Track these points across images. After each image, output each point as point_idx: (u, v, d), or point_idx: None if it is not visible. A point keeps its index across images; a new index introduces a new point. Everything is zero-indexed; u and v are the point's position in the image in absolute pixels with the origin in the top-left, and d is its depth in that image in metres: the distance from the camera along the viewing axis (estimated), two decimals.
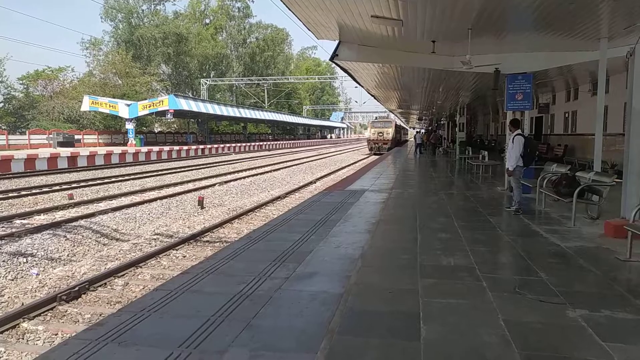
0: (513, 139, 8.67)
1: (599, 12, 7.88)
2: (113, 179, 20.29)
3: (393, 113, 48.84)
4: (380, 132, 42.16)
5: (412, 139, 70.64)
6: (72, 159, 26.81)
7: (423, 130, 46.68)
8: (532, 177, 10.31)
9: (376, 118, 49.70)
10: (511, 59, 11.20)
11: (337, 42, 11.88)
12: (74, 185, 17.97)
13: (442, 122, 46.32)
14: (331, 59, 12.73)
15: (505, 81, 11.40)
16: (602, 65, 9.52)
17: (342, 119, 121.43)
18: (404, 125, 76.12)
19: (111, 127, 47.74)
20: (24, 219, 11.24)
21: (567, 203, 7.81)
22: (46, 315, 6.00)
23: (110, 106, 39.16)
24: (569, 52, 10.85)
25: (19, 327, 5.61)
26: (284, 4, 8.47)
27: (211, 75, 73.05)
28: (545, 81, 18.18)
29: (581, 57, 10.83)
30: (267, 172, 24.84)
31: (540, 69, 11.40)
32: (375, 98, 29.17)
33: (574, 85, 19.87)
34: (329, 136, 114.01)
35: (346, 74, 16.64)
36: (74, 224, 10.68)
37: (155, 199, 14.40)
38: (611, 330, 3.59)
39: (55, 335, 5.47)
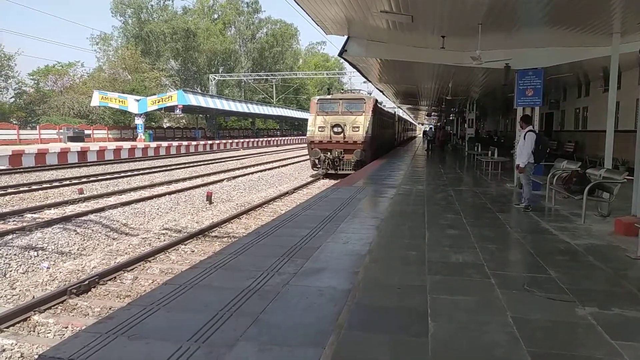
0: (524, 135, 8.59)
1: (611, 7, 7.78)
2: (122, 174, 20.42)
3: (401, 108, 47.35)
4: (337, 126, 20.21)
5: (421, 136, 69.99)
6: (82, 153, 27.01)
7: (432, 127, 45.88)
8: (542, 174, 10.22)
9: (329, 91, 24.65)
10: (522, 55, 11.09)
11: (346, 37, 11.85)
12: (83, 179, 18.10)
13: (451, 118, 46.11)
14: (340, 55, 12.71)
15: (515, 77, 11.30)
16: (614, 60, 9.41)
17: None
18: (409, 118, 62.28)
19: (121, 122, 48.02)
20: (34, 213, 11.36)
21: (578, 200, 7.74)
22: (57, 308, 6.07)
23: (119, 101, 39.41)
24: (581, 48, 10.72)
25: (30, 319, 5.68)
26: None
27: (220, 71, 73.16)
28: (556, 77, 18.00)
29: (593, 53, 10.70)
30: (275, 167, 24.88)
31: (551, 64, 11.28)
32: (383, 93, 29.08)
33: (585, 81, 19.66)
34: None
35: (355, 69, 16.58)
36: (84, 218, 10.77)
37: (164, 194, 14.48)
38: (621, 329, 3.56)
39: (66, 328, 5.53)
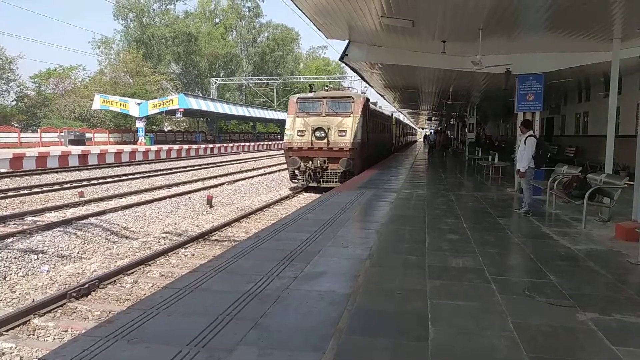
0: (525, 140, 8.60)
1: (611, 13, 7.80)
2: (123, 177, 20.44)
3: (402, 112, 47.31)
4: (320, 129, 17.13)
5: (422, 140, 69.90)
6: (83, 157, 27.04)
7: (433, 131, 45.83)
8: (542, 178, 10.22)
9: (311, 88, 20.58)
10: (522, 60, 11.11)
11: (347, 42, 11.88)
12: (84, 183, 18.13)
13: (451, 122, 46.14)
14: (341, 59, 12.75)
15: (516, 82, 11.32)
16: (615, 66, 9.42)
17: None
18: (409, 122, 61.19)
19: (122, 125, 48.06)
20: (35, 216, 11.35)
21: (578, 205, 7.74)
22: (56, 312, 6.06)
23: (120, 105, 39.48)
24: (581, 53, 10.75)
25: (29, 323, 5.67)
26: (295, 3, 8.47)
27: (221, 75, 73.25)
28: (556, 82, 18.04)
29: (593, 58, 10.72)
30: (275, 171, 24.90)
31: (551, 69, 11.30)
32: (384, 98, 29.11)
33: (585, 86, 19.68)
34: None
35: (356, 74, 16.59)
36: (84, 221, 10.77)
37: (164, 198, 14.48)
38: (622, 334, 3.55)
39: (65, 331, 5.52)
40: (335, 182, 16.79)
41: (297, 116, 17.64)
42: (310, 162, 17.13)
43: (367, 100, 18.92)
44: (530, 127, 9.10)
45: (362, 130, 17.44)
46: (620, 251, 6.00)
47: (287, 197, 15.61)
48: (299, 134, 17.35)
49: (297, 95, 18.79)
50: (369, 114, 19.10)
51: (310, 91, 19.51)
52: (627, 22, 8.28)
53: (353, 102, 17.62)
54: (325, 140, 16.94)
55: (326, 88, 20.53)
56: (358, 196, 10.78)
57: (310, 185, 17.34)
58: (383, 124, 25.82)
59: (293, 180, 18.29)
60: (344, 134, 17.00)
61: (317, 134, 17.01)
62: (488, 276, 4.89)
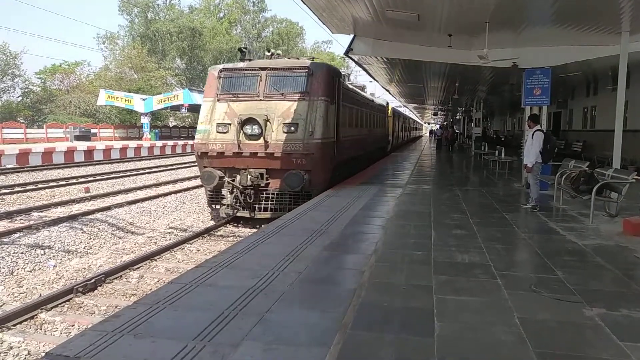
0: (532, 134, 8.54)
1: (620, 6, 7.71)
2: (128, 173, 20.51)
3: (407, 107, 47.09)
4: (251, 122, 10.34)
5: (427, 135, 69.77)
6: (89, 152, 27.14)
7: (438, 126, 45.69)
8: (549, 173, 10.16)
9: (242, 54, 12.03)
10: (529, 53, 11.02)
11: (352, 36, 11.83)
12: (90, 178, 18.21)
13: (457, 117, 45.97)
14: (346, 54, 12.70)
15: (523, 76, 11.23)
16: (623, 59, 9.34)
17: None
18: (413, 115, 57.35)
19: (127, 121, 48.23)
20: (41, 212, 11.42)
21: (585, 200, 7.68)
22: (63, 306, 6.10)
23: (125, 100, 39.61)
24: (589, 47, 10.64)
25: (37, 317, 5.72)
26: None
27: None
28: (564, 76, 17.89)
29: (601, 52, 10.62)
30: None
31: (559, 63, 11.20)
32: (389, 93, 28.98)
33: (593, 80, 19.51)
34: None
35: (361, 69, 16.54)
36: (90, 217, 10.82)
37: (169, 193, 14.52)
38: (629, 330, 3.52)
39: (72, 326, 5.56)
40: (279, 207, 10.58)
41: (219, 100, 11.09)
42: (237, 177, 10.72)
43: (337, 73, 12.23)
44: (537, 121, 9.03)
45: (326, 123, 10.88)
46: (627, 246, 5.96)
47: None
48: (220, 129, 10.86)
49: (220, 66, 11.71)
50: (341, 97, 12.31)
51: (242, 58, 12.28)
52: (635, 15, 8.19)
53: (310, 75, 10.82)
54: (261, 141, 10.51)
55: (268, 54, 12.67)
56: (363, 192, 10.75)
57: (239, 215, 10.89)
58: (371, 114, 18.95)
59: (214, 206, 11.33)
60: (294, 129, 10.53)
61: (248, 129, 10.56)
62: (494, 272, 4.87)
